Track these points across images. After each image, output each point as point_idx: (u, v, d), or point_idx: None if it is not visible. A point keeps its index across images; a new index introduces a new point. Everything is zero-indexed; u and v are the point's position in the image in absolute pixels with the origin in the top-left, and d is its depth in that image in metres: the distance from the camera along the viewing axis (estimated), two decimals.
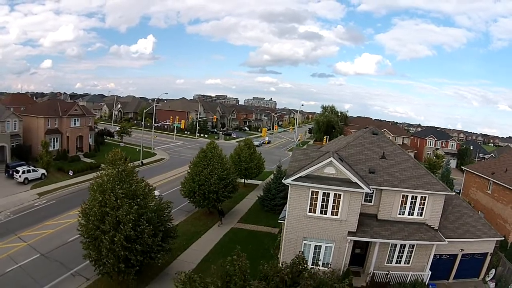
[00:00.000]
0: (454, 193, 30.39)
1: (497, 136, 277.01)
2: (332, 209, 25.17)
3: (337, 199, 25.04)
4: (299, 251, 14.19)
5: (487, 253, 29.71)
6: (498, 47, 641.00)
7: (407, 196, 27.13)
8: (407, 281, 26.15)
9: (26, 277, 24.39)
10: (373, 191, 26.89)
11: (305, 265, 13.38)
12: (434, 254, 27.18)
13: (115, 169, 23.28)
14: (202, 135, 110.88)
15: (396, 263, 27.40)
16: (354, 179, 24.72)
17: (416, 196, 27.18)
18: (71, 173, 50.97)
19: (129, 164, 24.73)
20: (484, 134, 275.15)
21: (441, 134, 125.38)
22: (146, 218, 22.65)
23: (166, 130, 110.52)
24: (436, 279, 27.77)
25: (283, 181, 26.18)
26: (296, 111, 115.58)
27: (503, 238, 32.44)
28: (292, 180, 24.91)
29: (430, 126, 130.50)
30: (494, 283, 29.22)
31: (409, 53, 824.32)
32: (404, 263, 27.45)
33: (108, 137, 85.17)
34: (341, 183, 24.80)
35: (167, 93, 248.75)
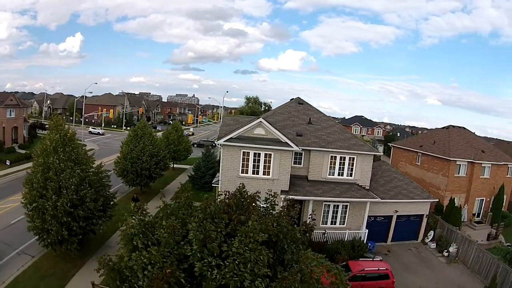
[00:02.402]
0: (381, 153, 31.89)
1: (425, 128, 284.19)
2: (263, 168, 25.85)
3: (267, 159, 25.72)
4: (240, 183, 14.15)
5: (423, 215, 31.47)
6: (428, 44, 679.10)
7: (335, 157, 28.35)
8: (345, 239, 27.07)
9: None
10: (302, 152, 27.78)
11: (247, 194, 13.37)
12: (369, 216, 28.41)
13: (57, 134, 23.29)
14: (128, 128, 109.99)
15: (331, 224, 28.38)
16: (284, 139, 25.44)
17: (345, 157, 28.40)
18: (8, 162, 50.27)
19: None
20: (412, 126, 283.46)
21: (367, 121, 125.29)
22: (88, 181, 23.00)
23: (94, 124, 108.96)
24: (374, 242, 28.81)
25: (215, 142, 26.36)
26: (218, 106, 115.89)
27: (437, 200, 34.57)
28: (224, 141, 25.27)
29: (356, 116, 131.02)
30: (435, 244, 30.95)
31: (335, 49, 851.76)
32: (340, 224, 28.49)
33: (40, 130, 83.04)
34: (271, 142, 25.46)
35: (96, 83, 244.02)
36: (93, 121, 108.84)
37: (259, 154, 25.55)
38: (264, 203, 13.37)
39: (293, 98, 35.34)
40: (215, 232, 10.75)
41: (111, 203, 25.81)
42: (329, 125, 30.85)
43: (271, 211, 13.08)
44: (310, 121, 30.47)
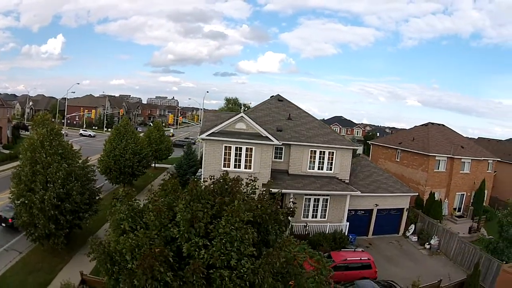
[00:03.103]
0: (360, 147, 32.56)
1: (405, 129, 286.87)
2: (245, 163, 26.31)
3: (249, 153, 26.21)
4: (224, 171, 14.51)
5: (403, 209, 32.07)
6: (409, 45, 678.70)
7: (315, 151, 28.96)
8: (327, 232, 27.53)
9: None
10: (283, 147, 28.39)
11: (229, 178, 13.74)
12: (350, 210, 28.95)
13: (44, 128, 23.70)
14: (109, 129, 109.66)
15: (312, 217, 28.88)
16: (265, 133, 26.00)
17: (324, 152, 29.03)
18: None
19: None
20: (392, 127, 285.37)
21: (346, 122, 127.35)
22: (74, 176, 23.34)
23: (76, 126, 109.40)
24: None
25: (198, 137, 26.67)
26: (198, 108, 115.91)
27: (417, 194, 35.22)
28: (206, 136, 25.67)
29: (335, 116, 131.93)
30: (416, 237, 31.62)
31: (314, 51, 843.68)
32: (321, 217, 29.01)
33: (23, 131, 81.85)
34: (252, 137, 25.99)
35: (78, 83, 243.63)
36: (74, 122, 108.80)
37: (241, 148, 26.02)
38: (245, 188, 13.77)
39: (273, 95, 35.85)
40: (201, 212, 11.11)
41: (97, 197, 26.09)
42: (309, 121, 31.47)
43: (252, 195, 13.52)
44: (290, 117, 31.07)
